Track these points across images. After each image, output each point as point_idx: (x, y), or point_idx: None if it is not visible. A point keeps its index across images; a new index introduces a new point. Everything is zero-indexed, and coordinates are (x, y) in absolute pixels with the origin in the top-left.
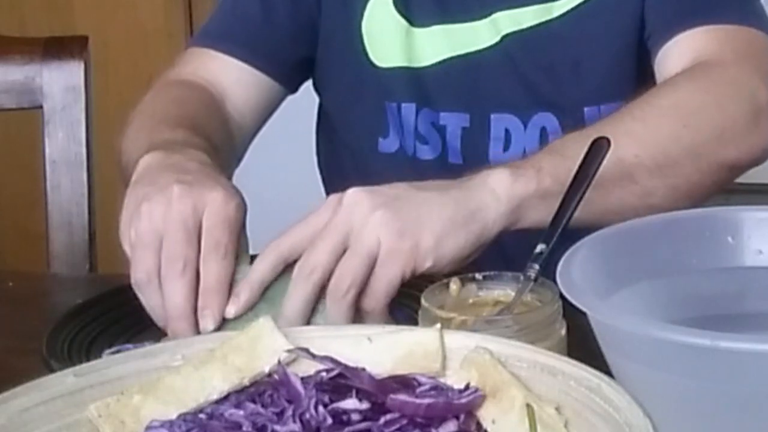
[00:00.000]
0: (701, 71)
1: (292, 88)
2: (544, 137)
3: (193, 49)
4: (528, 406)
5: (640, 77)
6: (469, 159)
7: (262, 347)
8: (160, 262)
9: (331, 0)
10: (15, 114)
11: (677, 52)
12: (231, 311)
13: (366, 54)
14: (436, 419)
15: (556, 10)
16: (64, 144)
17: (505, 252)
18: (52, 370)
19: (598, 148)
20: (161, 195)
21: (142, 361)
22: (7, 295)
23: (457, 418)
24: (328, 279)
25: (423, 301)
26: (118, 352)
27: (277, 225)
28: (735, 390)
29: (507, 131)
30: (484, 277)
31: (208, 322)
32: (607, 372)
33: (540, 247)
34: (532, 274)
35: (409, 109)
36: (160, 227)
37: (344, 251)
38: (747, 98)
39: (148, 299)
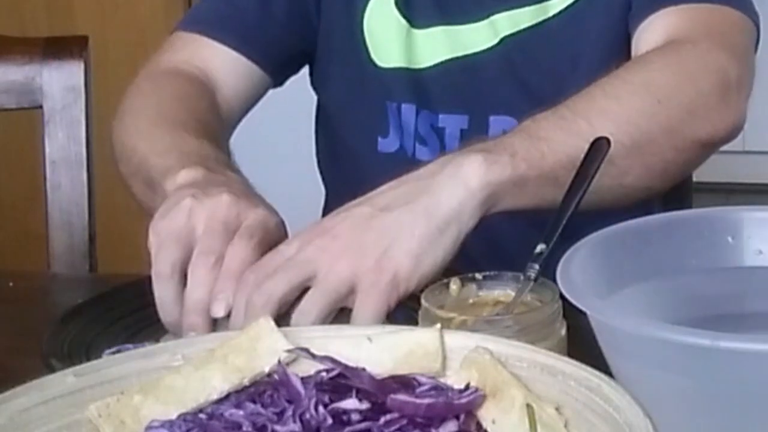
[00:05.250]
0: (671, 49)
1: (280, 81)
2: None
3: (182, 33)
4: (528, 406)
5: None
6: None
7: (262, 347)
8: (186, 258)
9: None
10: (15, 114)
11: (650, 32)
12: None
13: (368, 53)
14: (436, 419)
15: (552, 9)
16: (64, 144)
17: (505, 252)
18: (52, 370)
19: (598, 148)
20: (209, 199)
21: (142, 361)
22: (7, 295)
23: (457, 418)
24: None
25: (423, 301)
26: (118, 352)
27: None
28: (735, 390)
29: (505, 133)
30: (484, 277)
31: (220, 306)
32: (607, 372)
33: (540, 247)
34: (532, 274)
35: (409, 109)
36: (198, 227)
37: (306, 287)
38: (717, 74)
39: (164, 292)
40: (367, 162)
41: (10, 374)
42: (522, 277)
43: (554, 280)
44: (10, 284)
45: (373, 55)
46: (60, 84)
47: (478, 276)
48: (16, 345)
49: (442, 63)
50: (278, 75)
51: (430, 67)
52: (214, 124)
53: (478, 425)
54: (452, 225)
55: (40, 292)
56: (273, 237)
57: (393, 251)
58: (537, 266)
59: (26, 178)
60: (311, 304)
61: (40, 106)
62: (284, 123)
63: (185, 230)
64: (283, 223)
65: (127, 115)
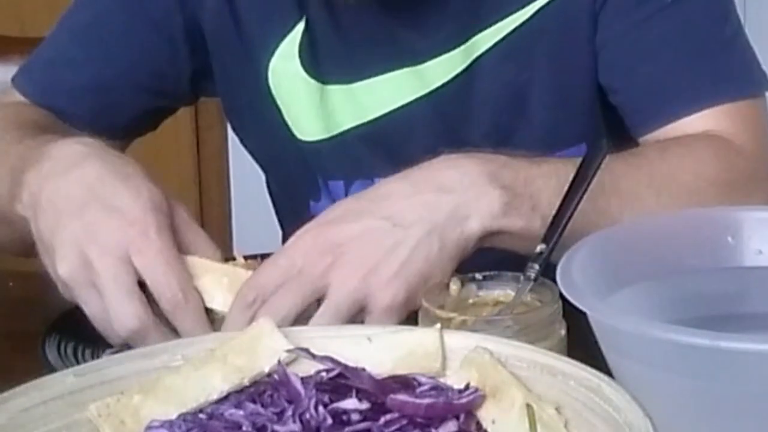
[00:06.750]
0: (730, 158)
1: (156, 125)
2: None
3: (15, 93)
4: (528, 406)
5: (604, 116)
6: None
7: (262, 347)
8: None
9: (229, 53)
10: None
11: (691, 130)
12: None
13: (285, 123)
14: (436, 419)
15: (483, 43)
16: None
17: (505, 252)
18: (52, 370)
19: (597, 148)
20: (77, 223)
21: (142, 361)
22: (7, 295)
23: (457, 418)
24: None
25: (423, 301)
26: (118, 352)
27: (271, 224)
28: (735, 390)
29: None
30: (484, 277)
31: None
32: (607, 372)
33: (540, 247)
34: (532, 274)
35: (336, 186)
36: (87, 266)
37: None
38: (765, 183)
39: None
40: (302, 222)
41: (10, 374)
42: (522, 277)
43: (554, 280)
44: (10, 284)
45: (291, 126)
46: None
47: (478, 276)
48: (16, 345)
49: (368, 123)
50: (129, 136)
51: (355, 128)
52: (42, 120)
53: (478, 425)
54: (460, 253)
55: (40, 292)
56: (163, 221)
57: (405, 272)
58: (537, 266)
59: None
60: (324, 324)
61: None
62: None
63: (82, 275)
64: (156, 186)
65: None
